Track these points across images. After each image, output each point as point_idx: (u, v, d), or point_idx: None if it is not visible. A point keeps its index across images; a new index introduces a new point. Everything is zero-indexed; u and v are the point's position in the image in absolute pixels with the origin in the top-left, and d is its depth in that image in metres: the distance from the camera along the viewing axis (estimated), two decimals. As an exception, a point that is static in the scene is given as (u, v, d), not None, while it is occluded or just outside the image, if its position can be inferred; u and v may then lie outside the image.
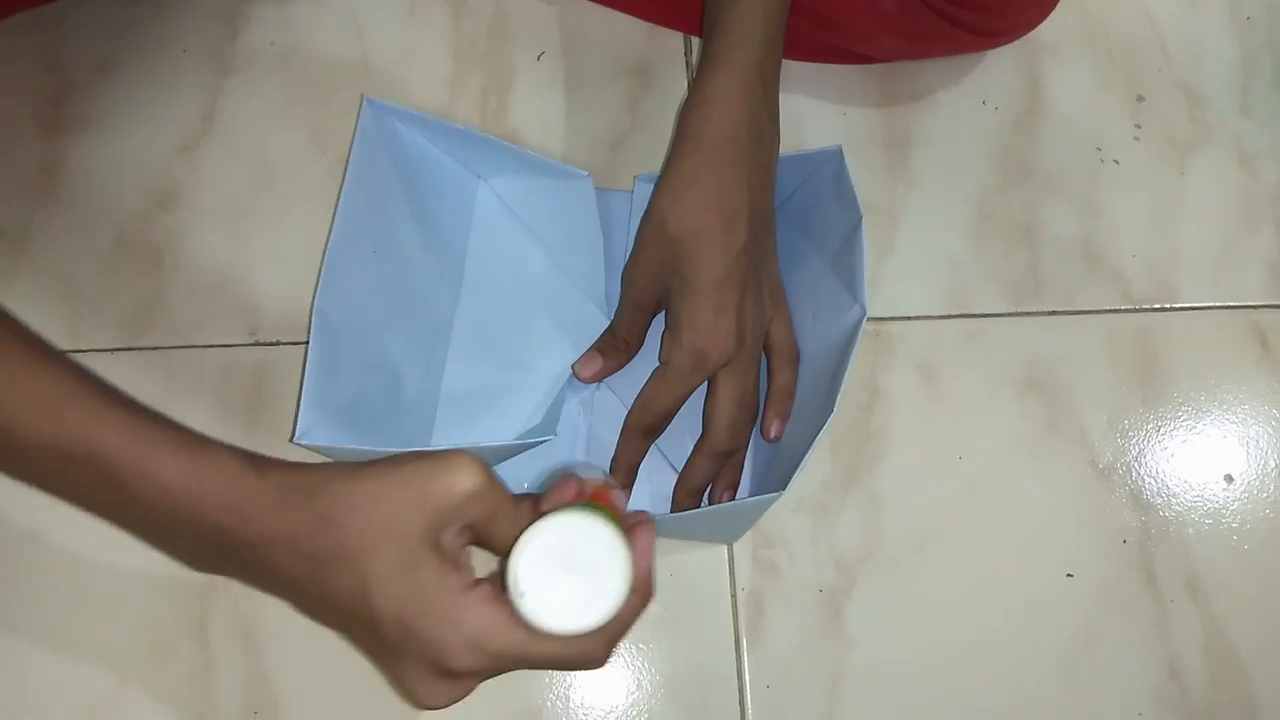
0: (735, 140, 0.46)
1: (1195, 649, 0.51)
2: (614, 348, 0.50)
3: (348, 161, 0.48)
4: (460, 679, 0.35)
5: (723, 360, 0.46)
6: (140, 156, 0.58)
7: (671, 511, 0.50)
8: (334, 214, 0.47)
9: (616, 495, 0.41)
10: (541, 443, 0.49)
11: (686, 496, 0.49)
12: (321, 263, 0.47)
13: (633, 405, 0.49)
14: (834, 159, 0.51)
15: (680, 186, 0.46)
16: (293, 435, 0.44)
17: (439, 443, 0.52)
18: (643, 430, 0.49)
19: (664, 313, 0.49)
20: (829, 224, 0.51)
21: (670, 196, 0.46)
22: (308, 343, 0.45)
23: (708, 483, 0.50)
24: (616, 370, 0.50)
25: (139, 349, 0.54)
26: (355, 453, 0.44)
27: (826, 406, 0.45)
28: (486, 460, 0.49)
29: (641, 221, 0.48)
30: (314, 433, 0.44)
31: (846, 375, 0.45)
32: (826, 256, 0.51)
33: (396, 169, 0.52)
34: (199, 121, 0.58)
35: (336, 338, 0.47)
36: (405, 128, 0.52)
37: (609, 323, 0.52)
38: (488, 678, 0.35)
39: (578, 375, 0.50)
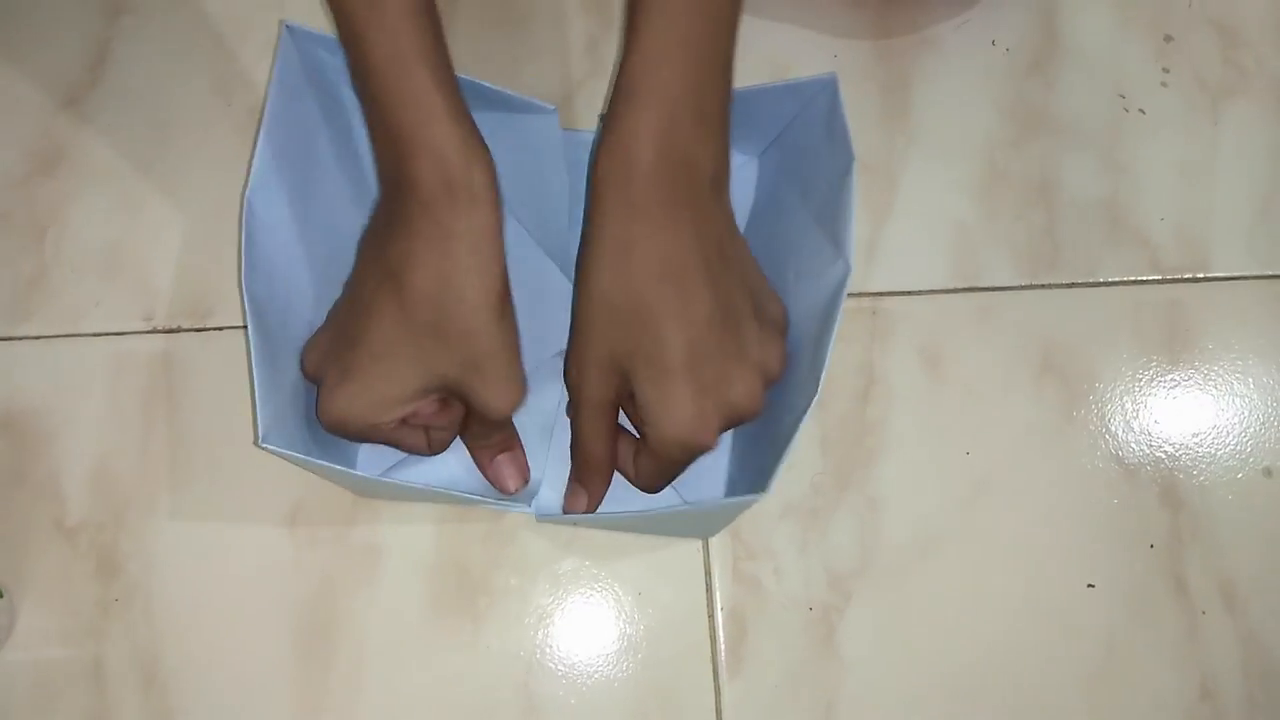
0: (666, 186, 0.37)
1: (1231, 665, 0.46)
2: (592, 471, 0.43)
3: (264, 103, 0.40)
4: None
5: (714, 441, 0.39)
6: (17, 113, 0.49)
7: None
8: (249, 168, 0.40)
9: None
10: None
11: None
12: (240, 230, 0.39)
13: (633, 474, 0.43)
14: (828, 90, 0.43)
15: (616, 256, 0.38)
16: (256, 437, 0.37)
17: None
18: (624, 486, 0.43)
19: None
20: (817, 167, 0.44)
21: (609, 271, 0.38)
22: (231, 328, 0.38)
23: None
24: (605, 490, 0.44)
25: (18, 339, 0.47)
26: (315, 466, 0.39)
27: (810, 386, 0.38)
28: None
29: (577, 302, 0.40)
30: (271, 435, 0.38)
31: (830, 347, 0.38)
32: (812, 205, 0.44)
33: (322, 109, 0.44)
34: (86, 70, 0.50)
35: (266, 320, 0.39)
36: (332, 59, 0.44)
37: (568, 284, 0.45)
38: None
39: (569, 511, 0.44)
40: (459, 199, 0.37)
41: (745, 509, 0.45)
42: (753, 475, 0.41)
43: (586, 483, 0.43)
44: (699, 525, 0.45)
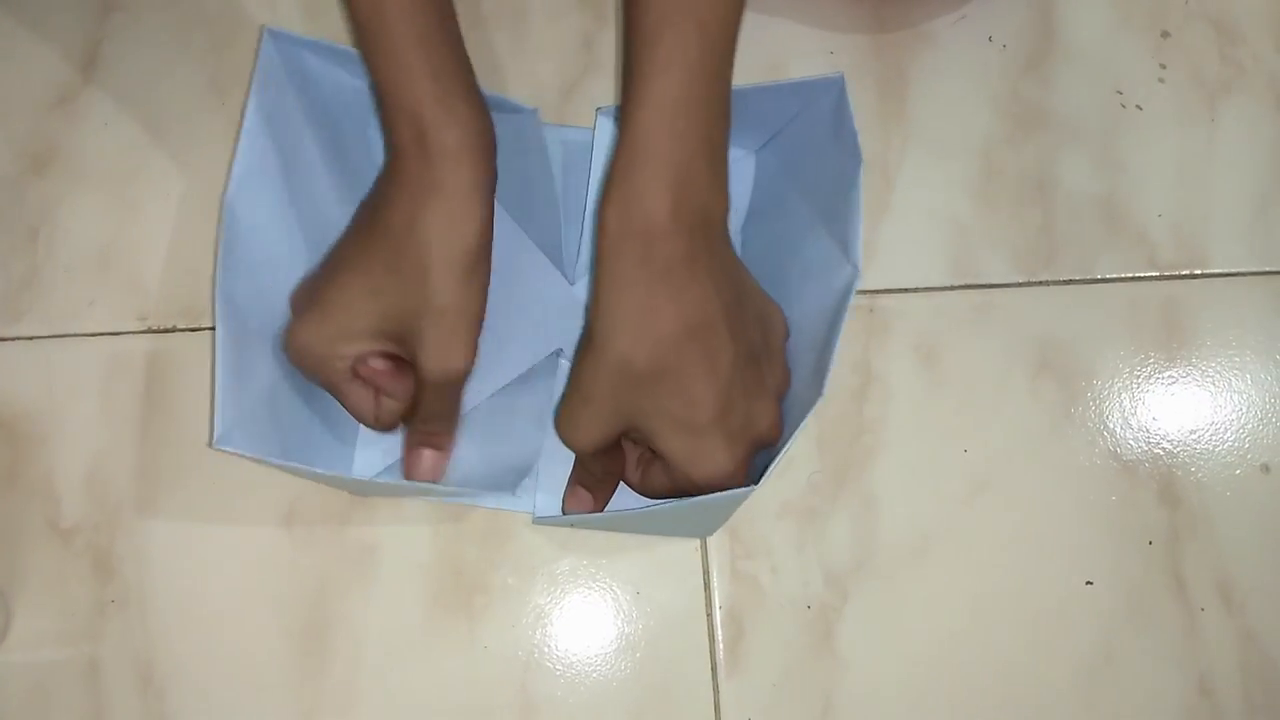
0: (685, 241, 0.36)
1: (1229, 662, 0.46)
2: (599, 483, 0.43)
3: (244, 107, 0.40)
4: None
5: (744, 474, 0.39)
6: (9, 111, 0.49)
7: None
8: (228, 172, 0.40)
9: None
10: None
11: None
12: (219, 230, 0.39)
13: (638, 484, 0.42)
14: (834, 90, 0.43)
15: (637, 319, 0.36)
16: (210, 438, 0.37)
17: (365, 440, 0.45)
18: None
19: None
20: (822, 167, 0.44)
21: (628, 334, 0.36)
22: (214, 328, 0.38)
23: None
24: (610, 498, 0.44)
25: (11, 339, 0.46)
26: (282, 465, 0.39)
27: (815, 386, 0.38)
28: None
29: (585, 363, 0.38)
30: (232, 436, 0.37)
31: (836, 349, 0.38)
32: (816, 205, 0.44)
33: (306, 111, 0.44)
34: (78, 69, 0.50)
35: (244, 321, 0.39)
36: (316, 60, 0.44)
37: (564, 281, 0.46)
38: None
39: (570, 509, 0.44)
40: (432, 155, 0.37)
41: (740, 504, 0.44)
42: (754, 474, 0.41)
43: (593, 490, 0.43)
44: (696, 523, 0.45)
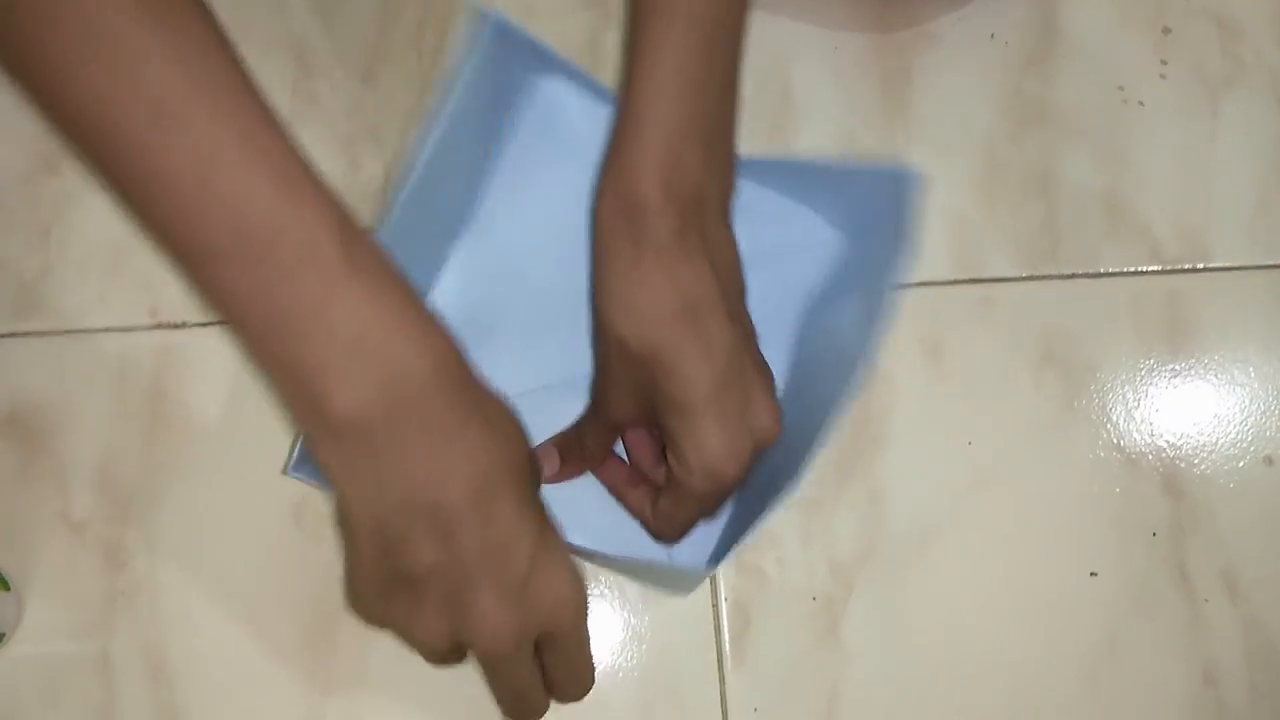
0: (675, 219, 0.36)
1: (1233, 652, 0.46)
2: (577, 456, 0.43)
3: (449, 87, 0.38)
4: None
5: (744, 470, 0.38)
6: (21, 111, 0.49)
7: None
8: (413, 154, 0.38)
9: None
10: None
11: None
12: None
13: (651, 518, 0.43)
14: (906, 183, 0.41)
15: (627, 299, 0.36)
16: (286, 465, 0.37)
17: None
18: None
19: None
20: (880, 254, 0.43)
21: (620, 310, 0.37)
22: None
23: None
24: (573, 478, 0.44)
25: (23, 335, 0.47)
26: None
27: (795, 479, 0.38)
28: None
29: (595, 337, 0.39)
30: (304, 465, 0.37)
31: (819, 448, 0.38)
32: (862, 288, 0.44)
33: (515, 114, 0.43)
34: (89, 67, 0.50)
35: None
36: (533, 60, 0.43)
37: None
38: None
39: None
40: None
41: (700, 580, 0.44)
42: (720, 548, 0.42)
43: (565, 455, 0.43)
44: (666, 582, 0.45)
